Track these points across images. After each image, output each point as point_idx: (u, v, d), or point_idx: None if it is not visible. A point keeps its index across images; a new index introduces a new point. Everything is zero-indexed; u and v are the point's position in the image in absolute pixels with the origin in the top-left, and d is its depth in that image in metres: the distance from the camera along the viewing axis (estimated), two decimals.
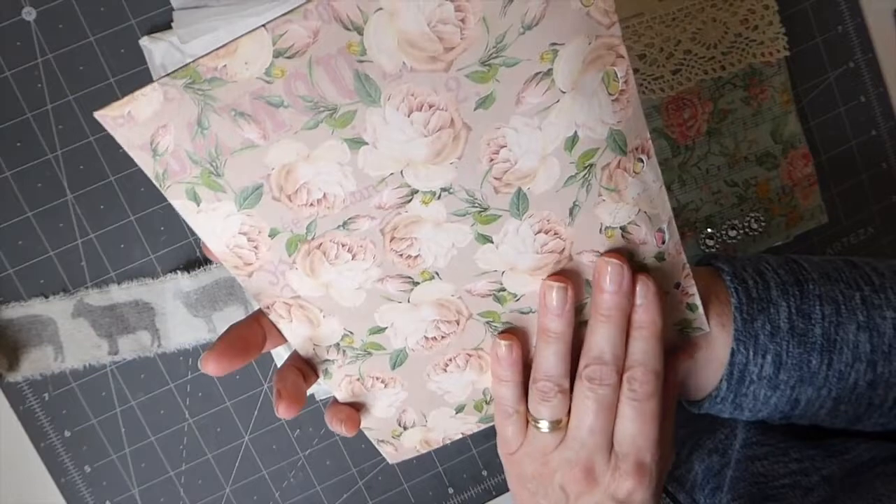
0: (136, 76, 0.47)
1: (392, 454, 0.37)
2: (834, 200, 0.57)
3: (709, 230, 0.53)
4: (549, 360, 0.32)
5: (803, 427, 0.40)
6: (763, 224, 0.54)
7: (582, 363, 0.32)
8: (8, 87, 0.47)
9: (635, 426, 0.32)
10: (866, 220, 0.58)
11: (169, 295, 0.49)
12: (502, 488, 0.55)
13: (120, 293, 0.49)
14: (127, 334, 0.49)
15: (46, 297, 0.49)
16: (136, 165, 0.51)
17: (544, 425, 0.33)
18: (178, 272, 0.49)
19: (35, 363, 0.49)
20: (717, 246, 0.53)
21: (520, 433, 0.34)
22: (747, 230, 0.53)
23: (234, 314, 0.49)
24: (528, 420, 0.34)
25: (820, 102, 0.56)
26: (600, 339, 0.32)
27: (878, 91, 0.57)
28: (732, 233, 0.53)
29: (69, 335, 0.49)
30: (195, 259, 0.50)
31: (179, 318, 0.49)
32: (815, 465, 0.37)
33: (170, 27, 0.46)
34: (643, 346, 0.32)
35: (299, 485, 0.53)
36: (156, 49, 0.46)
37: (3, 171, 0.47)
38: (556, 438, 0.33)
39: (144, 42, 0.46)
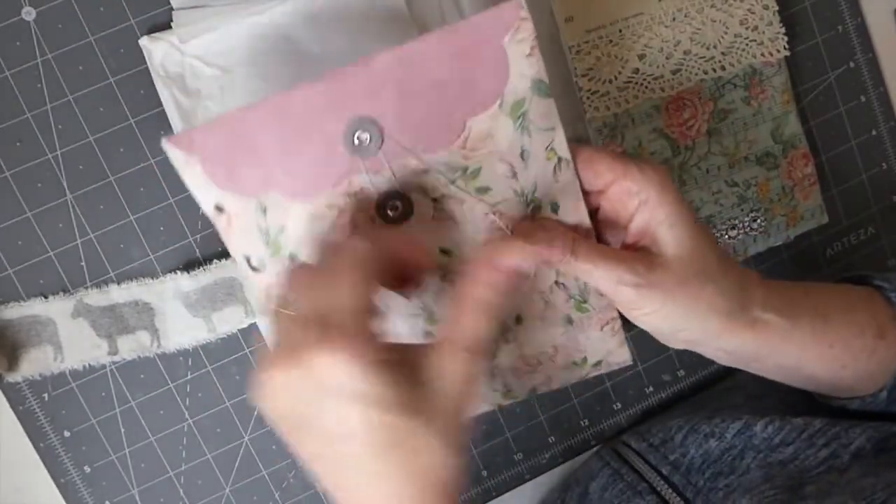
0: (136, 76, 0.47)
1: None
2: (834, 200, 0.57)
3: None
4: None
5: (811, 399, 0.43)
6: (763, 224, 0.54)
7: None
8: (7, 87, 0.47)
9: None
10: (866, 220, 0.58)
11: (168, 295, 0.49)
12: (502, 488, 0.55)
13: (119, 293, 0.49)
14: (126, 334, 0.49)
15: (46, 297, 0.49)
16: (137, 165, 0.51)
17: None
18: (178, 272, 0.49)
19: (34, 363, 0.49)
20: None
21: None
22: (747, 230, 0.53)
23: (233, 314, 0.49)
24: None
25: (820, 102, 0.56)
26: None
27: (878, 91, 0.57)
28: (733, 232, 0.53)
29: (69, 335, 0.49)
30: (195, 259, 0.50)
31: (179, 318, 0.49)
32: (843, 443, 0.38)
33: (170, 27, 0.46)
34: None
35: (299, 485, 0.53)
36: (155, 49, 0.46)
37: (3, 171, 0.47)
38: None
39: (144, 42, 0.46)
